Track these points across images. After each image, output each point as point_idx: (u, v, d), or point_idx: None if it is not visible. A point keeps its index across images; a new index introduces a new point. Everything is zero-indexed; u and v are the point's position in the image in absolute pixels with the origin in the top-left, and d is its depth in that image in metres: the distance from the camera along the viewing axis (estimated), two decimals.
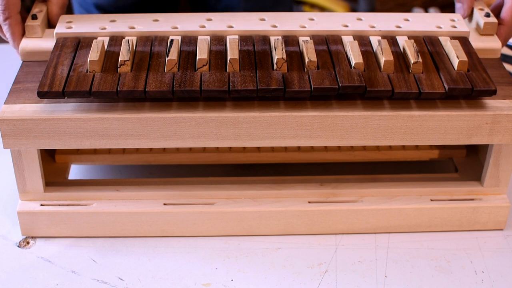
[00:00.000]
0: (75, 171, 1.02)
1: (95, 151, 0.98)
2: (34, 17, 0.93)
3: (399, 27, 0.94)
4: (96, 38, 0.91)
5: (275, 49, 0.87)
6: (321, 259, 0.89)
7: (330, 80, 0.84)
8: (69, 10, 1.44)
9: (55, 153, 0.98)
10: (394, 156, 1.01)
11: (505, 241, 0.92)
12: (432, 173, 0.97)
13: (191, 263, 0.89)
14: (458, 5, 1.00)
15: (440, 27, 0.94)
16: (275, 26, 0.93)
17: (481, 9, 0.98)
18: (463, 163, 0.99)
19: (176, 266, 0.88)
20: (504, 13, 0.96)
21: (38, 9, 0.95)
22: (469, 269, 0.88)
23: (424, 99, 0.86)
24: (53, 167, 0.97)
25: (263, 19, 0.95)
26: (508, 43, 1.13)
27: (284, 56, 0.85)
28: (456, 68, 0.86)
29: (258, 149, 1.00)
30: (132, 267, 0.88)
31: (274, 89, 0.82)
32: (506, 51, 1.13)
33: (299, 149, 1.00)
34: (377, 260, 0.89)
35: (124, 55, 0.85)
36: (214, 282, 0.86)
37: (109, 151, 0.98)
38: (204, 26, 0.93)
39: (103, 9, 1.39)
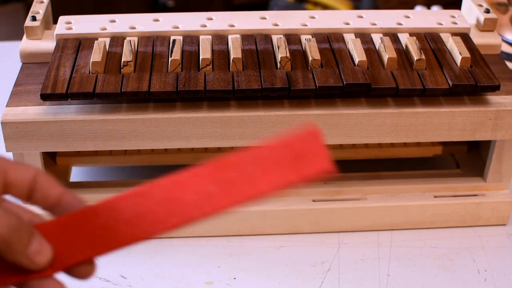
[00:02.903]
0: (76, 173, 1.01)
1: (96, 153, 0.97)
2: (34, 19, 0.92)
3: (400, 24, 0.94)
4: (96, 39, 0.90)
5: (278, 48, 0.87)
6: (324, 258, 0.89)
7: (334, 78, 0.83)
8: None
9: (56, 155, 0.97)
10: (396, 153, 1.01)
11: (508, 239, 0.92)
12: (434, 170, 0.97)
13: (193, 262, 0.88)
14: None
15: (441, 24, 0.94)
16: (276, 25, 0.93)
17: (480, 5, 0.98)
18: (465, 159, 0.99)
19: (179, 265, 0.88)
20: None
21: (37, 10, 0.94)
22: (472, 268, 0.88)
23: (428, 96, 0.86)
24: (54, 170, 0.95)
25: (264, 18, 0.94)
26: (510, 40, 1.13)
27: (288, 55, 0.85)
28: (459, 64, 0.87)
29: None
30: (135, 266, 0.87)
31: (279, 88, 0.82)
32: (508, 49, 1.13)
33: None
34: (380, 259, 0.89)
35: (127, 55, 0.84)
36: (216, 281, 0.86)
37: (110, 153, 0.97)
38: (205, 26, 0.92)
39: None
